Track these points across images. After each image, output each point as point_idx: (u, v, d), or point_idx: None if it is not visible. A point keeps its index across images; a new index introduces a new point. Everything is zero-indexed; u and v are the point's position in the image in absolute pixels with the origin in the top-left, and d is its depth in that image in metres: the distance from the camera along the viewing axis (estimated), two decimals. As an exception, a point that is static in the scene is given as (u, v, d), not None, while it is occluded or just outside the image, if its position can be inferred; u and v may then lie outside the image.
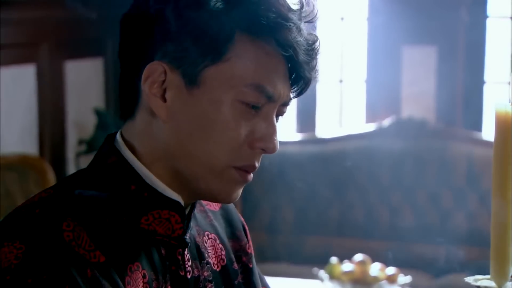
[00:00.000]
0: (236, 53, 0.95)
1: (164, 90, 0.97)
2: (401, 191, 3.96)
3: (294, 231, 4.03)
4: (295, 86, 1.00)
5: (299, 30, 0.97)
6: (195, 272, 1.03)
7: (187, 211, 1.03)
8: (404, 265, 3.47)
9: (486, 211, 3.80)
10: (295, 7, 0.99)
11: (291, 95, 1.01)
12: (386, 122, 4.08)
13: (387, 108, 4.21)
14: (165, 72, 0.96)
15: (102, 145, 1.03)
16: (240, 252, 1.14)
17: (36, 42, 3.87)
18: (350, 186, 4.02)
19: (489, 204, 0.93)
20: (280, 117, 1.03)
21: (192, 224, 1.05)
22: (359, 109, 4.42)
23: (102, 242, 0.94)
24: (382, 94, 4.22)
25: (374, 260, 3.18)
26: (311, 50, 0.99)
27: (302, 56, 0.97)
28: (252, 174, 1.01)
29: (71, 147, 4.12)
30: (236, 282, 1.10)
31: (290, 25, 0.96)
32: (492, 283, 0.93)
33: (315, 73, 1.00)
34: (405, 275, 3.13)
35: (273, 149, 1.01)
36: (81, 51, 4.20)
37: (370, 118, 4.28)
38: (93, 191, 0.98)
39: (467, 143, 3.94)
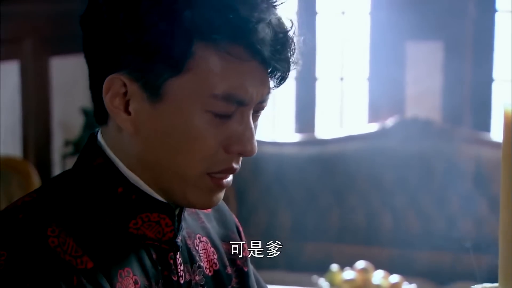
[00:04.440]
0: (197, 63, 0.94)
1: (127, 102, 0.97)
2: (405, 195, 3.96)
3: (292, 237, 4.03)
4: (272, 77, 0.98)
5: (264, 25, 0.94)
6: (187, 276, 1.04)
7: (176, 212, 1.03)
8: (408, 273, 3.47)
9: (494, 216, 3.81)
10: None
11: (272, 85, 0.99)
12: (390, 122, 4.08)
13: (391, 108, 4.21)
14: (125, 84, 0.96)
15: (85, 145, 1.03)
16: (234, 255, 1.14)
17: (19, 37, 3.87)
18: (351, 189, 4.03)
19: (498, 208, 0.93)
20: (261, 111, 1.02)
21: (183, 225, 1.05)
22: (361, 108, 4.42)
23: (90, 247, 0.94)
24: (385, 93, 4.23)
25: (377, 267, 3.18)
26: (283, 43, 0.96)
27: (272, 53, 0.95)
28: (231, 177, 1.01)
29: (57, 149, 4.12)
30: (230, 287, 1.11)
31: (252, 25, 0.93)
32: (501, 292, 0.94)
33: (290, 64, 0.98)
34: (410, 283, 3.14)
35: (250, 152, 0.99)
36: (67, 47, 4.20)
37: (372, 118, 4.29)
38: (78, 195, 0.99)
39: (475, 144, 3.95)
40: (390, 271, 3.19)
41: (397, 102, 4.23)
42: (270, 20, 0.95)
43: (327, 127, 4.44)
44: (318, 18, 4.40)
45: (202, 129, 0.95)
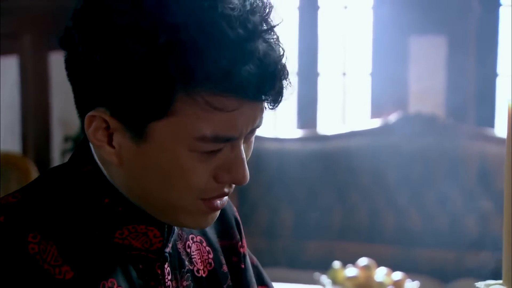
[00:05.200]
0: (180, 107, 0.90)
1: (111, 135, 0.94)
2: (408, 192, 3.96)
3: (294, 235, 4.04)
4: (265, 102, 0.95)
5: (250, 67, 0.89)
6: (173, 284, 1.03)
7: (167, 224, 1.01)
8: (411, 270, 3.48)
9: (498, 213, 3.81)
10: (242, 32, 0.89)
11: (269, 107, 0.95)
12: (392, 118, 4.08)
13: (394, 103, 4.21)
14: (105, 120, 0.93)
15: (79, 145, 1.02)
16: (230, 252, 1.13)
17: (18, 32, 3.87)
18: (354, 186, 4.03)
19: (502, 205, 0.93)
20: (256, 130, 0.98)
21: (175, 229, 1.04)
22: (363, 104, 4.42)
23: (73, 256, 0.93)
24: (388, 88, 4.23)
25: (379, 264, 3.18)
26: (273, 77, 0.91)
27: (260, 93, 0.91)
28: (225, 198, 0.99)
29: (57, 145, 4.12)
30: (225, 286, 1.10)
31: (235, 75, 0.88)
32: (504, 289, 0.94)
33: (282, 91, 0.94)
34: (413, 280, 3.14)
35: (241, 181, 0.96)
36: (66, 42, 4.20)
37: (375, 114, 4.28)
38: (64, 200, 0.97)
39: (479, 141, 3.95)
40: (393, 268, 3.20)
41: (400, 97, 4.23)
42: (257, 55, 0.89)
43: (329, 123, 4.44)
44: (320, 13, 4.40)
45: (190, 167, 0.93)
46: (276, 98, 0.93)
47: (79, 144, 1.02)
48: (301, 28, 4.39)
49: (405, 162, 3.94)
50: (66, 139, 4.11)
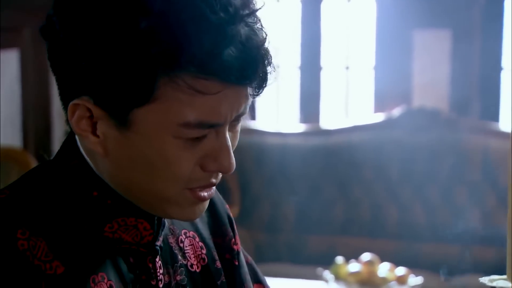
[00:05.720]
0: (163, 94, 0.90)
1: (95, 124, 0.94)
2: (411, 186, 3.96)
3: (296, 229, 4.04)
4: (251, 87, 0.94)
5: (232, 50, 0.89)
6: (166, 278, 1.03)
7: (157, 216, 1.01)
8: (414, 266, 3.48)
9: (502, 207, 3.81)
10: (223, 15, 0.89)
11: (253, 94, 0.95)
12: (396, 112, 4.08)
13: (397, 97, 4.21)
14: (89, 108, 0.93)
15: (65, 140, 1.02)
16: (223, 249, 1.13)
17: (18, 26, 3.87)
18: (357, 181, 4.03)
19: (506, 200, 0.93)
20: (241, 119, 0.98)
21: (166, 223, 1.04)
22: (366, 98, 4.42)
23: (62, 251, 0.93)
24: (391, 82, 4.23)
25: (382, 260, 3.19)
26: (255, 62, 0.91)
27: (242, 77, 0.91)
28: (213, 189, 0.99)
29: (57, 139, 4.12)
30: (219, 282, 1.10)
31: (217, 57, 0.88)
32: (509, 284, 0.94)
33: (266, 77, 0.93)
34: (416, 275, 3.14)
35: (228, 169, 0.96)
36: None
37: (378, 108, 4.29)
38: (53, 195, 0.97)
39: (483, 135, 3.95)
40: (396, 263, 3.20)
41: (404, 91, 4.23)
42: (239, 39, 0.89)
43: (332, 117, 4.44)
44: (323, 6, 4.39)
45: (175, 155, 0.92)
46: (260, 83, 0.93)
47: (66, 139, 1.02)
48: (304, 21, 4.39)
49: (408, 157, 3.94)
50: (67, 133, 4.12)
